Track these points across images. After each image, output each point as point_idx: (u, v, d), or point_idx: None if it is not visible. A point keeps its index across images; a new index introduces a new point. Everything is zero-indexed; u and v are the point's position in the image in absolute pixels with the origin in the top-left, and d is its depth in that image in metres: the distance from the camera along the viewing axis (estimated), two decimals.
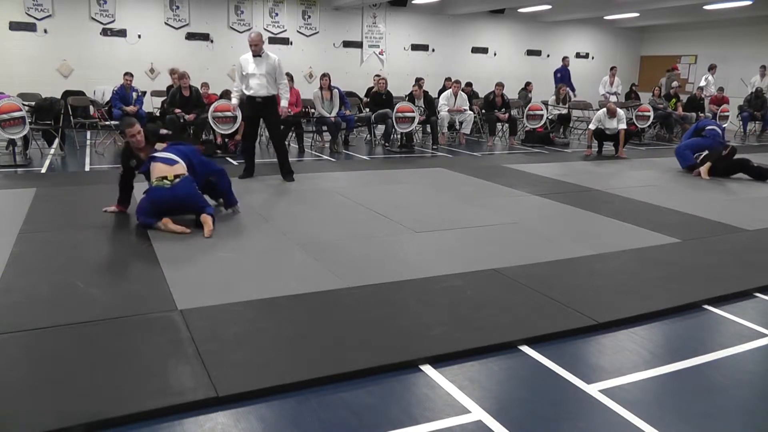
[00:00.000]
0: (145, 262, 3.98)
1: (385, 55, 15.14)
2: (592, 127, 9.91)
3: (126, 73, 9.65)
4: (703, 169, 7.88)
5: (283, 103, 6.99)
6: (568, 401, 2.55)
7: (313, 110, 10.43)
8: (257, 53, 6.66)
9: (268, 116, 6.90)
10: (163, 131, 5.49)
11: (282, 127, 9.29)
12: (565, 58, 14.50)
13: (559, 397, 2.58)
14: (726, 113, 12.80)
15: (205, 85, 9.48)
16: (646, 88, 15.12)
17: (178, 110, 8.58)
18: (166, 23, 12.87)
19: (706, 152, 8.10)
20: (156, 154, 4.86)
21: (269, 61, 6.70)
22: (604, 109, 9.79)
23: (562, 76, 13.87)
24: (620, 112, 9.81)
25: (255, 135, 7.09)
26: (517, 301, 3.50)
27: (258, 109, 6.80)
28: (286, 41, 13.98)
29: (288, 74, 9.48)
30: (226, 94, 8.90)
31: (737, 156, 8.05)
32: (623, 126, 9.72)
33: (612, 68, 13.92)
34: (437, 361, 2.80)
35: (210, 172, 5.22)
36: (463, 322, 3.18)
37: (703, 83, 13.97)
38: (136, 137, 5.00)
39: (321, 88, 9.52)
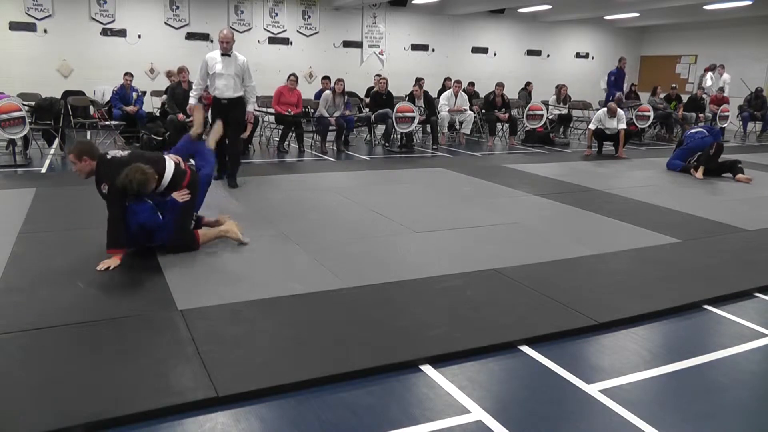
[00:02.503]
0: (146, 262, 3.98)
1: (385, 55, 15.13)
2: (592, 127, 9.91)
3: (126, 73, 9.67)
4: (698, 172, 7.90)
5: (249, 107, 6.66)
6: (568, 401, 2.55)
7: (312, 110, 10.43)
8: (226, 52, 6.37)
9: (233, 118, 6.47)
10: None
11: (282, 127, 9.32)
12: (621, 60, 12.70)
13: (559, 397, 2.58)
14: (726, 113, 12.81)
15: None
16: (646, 87, 15.11)
17: (181, 116, 8.56)
18: (166, 23, 12.87)
19: (699, 154, 8.10)
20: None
21: (237, 62, 6.42)
22: (605, 109, 9.80)
23: (617, 79, 12.52)
24: (620, 112, 9.81)
25: (223, 137, 6.78)
26: (517, 301, 3.50)
27: (223, 110, 6.42)
28: (286, 41, 13.97)
29: (294, 75, 9.50)
30: None
31: (730, 158, 8.04)
32: (623, 126, 9.73)
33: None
34: (437, 361, 2.80)
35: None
36: (463, 322, 3.18)
37: (709, 83, 13.96)
38: (83, 172, 4.02)
39: (334, 92, 9.51)
